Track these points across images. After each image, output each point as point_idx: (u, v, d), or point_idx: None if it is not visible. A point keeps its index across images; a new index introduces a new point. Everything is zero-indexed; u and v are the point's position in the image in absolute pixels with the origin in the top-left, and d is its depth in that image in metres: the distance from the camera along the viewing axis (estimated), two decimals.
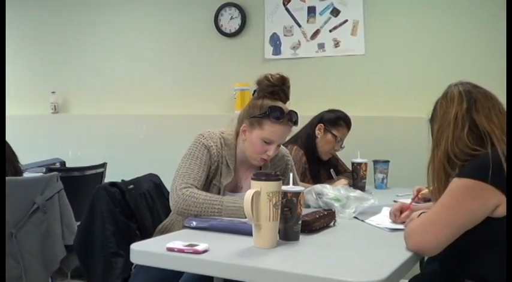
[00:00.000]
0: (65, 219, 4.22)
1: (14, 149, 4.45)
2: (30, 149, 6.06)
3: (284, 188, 2.37)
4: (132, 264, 2.91)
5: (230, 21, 5.98)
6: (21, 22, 7.71)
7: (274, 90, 3.07)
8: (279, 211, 2.32)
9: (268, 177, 2.29)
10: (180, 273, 2.61)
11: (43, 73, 7.48)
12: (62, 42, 7.31)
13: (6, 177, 4.11)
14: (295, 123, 3.07)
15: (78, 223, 3.69)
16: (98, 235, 3.14)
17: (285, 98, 3.12)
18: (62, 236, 4.19)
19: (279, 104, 3.04)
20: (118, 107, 6.80)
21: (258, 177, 2.30)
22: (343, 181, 4.04)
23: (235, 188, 3.14)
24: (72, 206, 4.28)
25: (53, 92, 7.23)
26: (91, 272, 3.22)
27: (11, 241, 3.97)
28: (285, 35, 5.67)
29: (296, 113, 3.05)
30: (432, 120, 2.60)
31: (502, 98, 2.54)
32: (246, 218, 2.36)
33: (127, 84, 6.74)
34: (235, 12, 5.95)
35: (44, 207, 4.10)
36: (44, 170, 4.87)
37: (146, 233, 3.21)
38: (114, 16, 6.85)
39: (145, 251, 2.35)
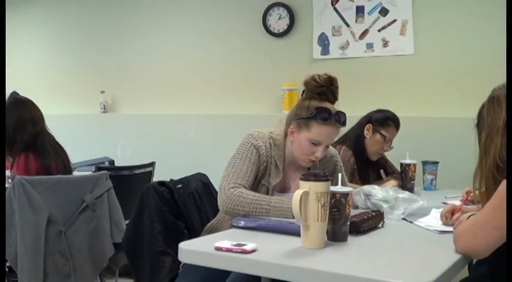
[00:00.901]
0: (113, 218, 4.26)
1: (64, 147, 4.51)
2: (80, 147, 6.13)
3: (333, 188, 2.36)
4: (180, 263, 2.93)
5: (278, 21, 5.97)
6: (72, 23, 7.81)
7: (321, 90, 3.05)
8: (327, 212, 2.31)
9: (316, 178, 2.29)
10: (227, 273, 2.62)
11: (93, 73, 7.55)
12: (112, 42, 7.37)
13: (58, 176, 4.18)
14: (343, 123, 3.04)
15: (127, 221, 3.73)
16: (146, 234, 3.17)
17: (333, 98, 3.09)
18: (110, 234, 4.24)
19: (327, 104, 3.02)
20: (166, 107, 6.83)
21: (306, 177, 2.30)
22: (392, 182, 4.01)
23: (283, 188, 3.13)
24: (121, 205, 4.32)
25: (102, 92, 7.30)
26: (139, 270, 3.25)
27: (60, 239, 4.02)
28: (333, 35, 5.64)
29: (344, 114, 3.03)
30: (479, 126, 2.56)
31: None
32: (293, 218, 2.36)
33: (176, 84, 6.77)
34: (283, 12, 5.93)
35: (93, 205, 4.15)
36: (93, 168, 4.91)
37: (194, 232, 3.22)
38: (163, 16, 6.88)
39: (193, 250, 2.36)
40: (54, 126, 4.58)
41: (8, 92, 5.25)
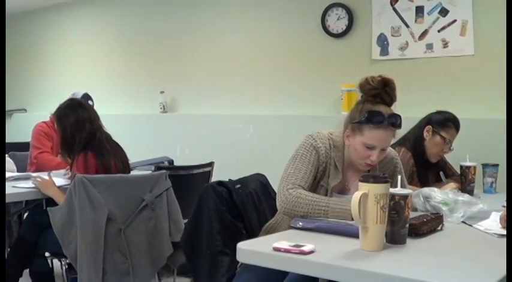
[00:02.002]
0: (172, 217, 4.29)
1: (125, 146, 4.57)
2: (140, 147, 6.19)
3: (392, 190, 2.35)
4: (238, 262, 2.94)
5: (337, 21, 5.96)
6: (132, 25, 7.91)
7: (376, 93, 2.98)
8: (386, 214, 2.30)
9: (376, 179, 2.28)
10: (285, 273, 2.62)
11: (153, 73, 7.64)
12: (171, 44, 7.44)
13: (118, 175, 4.23)
14: (398, 126, 2.97)
15: (185, 221, 3.76)
16: (204, 233, 3.19)
17: (390, 100, 3.01)
18: (169, 233, 4.27)
19: (380, 107, 2.96)
20: (225, 107, 6.87)
21: (365, 179, 2.29)
22: (452, 185, 3.96)
23: (342, 190, 3.12)
24: (180, 204, 4.35)
25: (161, 92, 7.38)
26: (197, 269, 3.27)
27: (119, 237, 4.07)
28: (392, 36, 5.60)
29: (398, 116, 2.96)
30: None
31: None
32: (351, 220, 2.35)
33: (234, 84, 6.80)
34: (342, 13, 5.92)
35: (152, 204, 4.19)
36: (153, 168, 4.96)
37: (252, 232, 3.23)
38: (221, 17, 6.92)
39: (251, 250, 2.37)
40: (115, 126, 4.65)
41: (79, 93, 5.33)
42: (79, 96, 5.30)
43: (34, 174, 4.84)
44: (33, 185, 4.37)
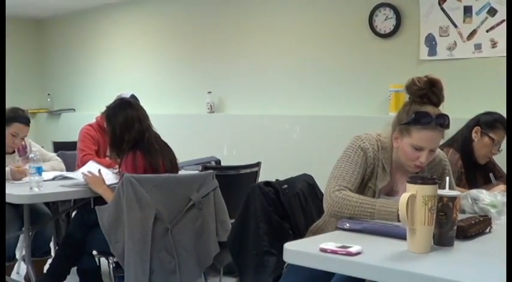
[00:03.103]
0: (219, 217, 4.31)
1: (172, 146, 4.59)
2: (187, 147, 6.23)
3: (440, 192, 2.34)
4: (284, 263, 2.94)
5: (385, 21, 5.93)
6: (179, 25, 7.96)
7: (423, 93, 2.95)
8: (434, 215, 2.29)
9: (424, 181, 2.27)
10: (331, 275, 2.62)
11: (200, 74, 7.68)
12: (218, 44, 7.47)
13: (166, 174, 4.26)
14: (446, 127, 2.94)
15: (232, 221, 3.77)
16: (251, 233, 3.20)
17: (437, 100, 2.98)
18: (216, 232, 4.28)
19: (427, 108, 2.93)
20: (272, 107, 6.88)
21: (413, 180, 2.28)
22: (501, 187, 3.90)
23: (390, 192, 3.10)
24: (226, 204, 4.36)
25: (209, 92, 7.42)
26: (243, 269, 3.28)
27: (166, 236, 4.10)
28: (440, 36, 5.56)
29: (446, 116, 2.93)
30: None
31: None
32: (398, 221, 2.34)
33: (281, 85, 6.81)
34: (390, 13, 5.89)
35: (199, 204, 4.20)
36: (200, 168, 4.98)
37: (298, 232, 3.23)
38: (269, 17, 6.93)
39: (298, 251, 2.38)
40: (162, 126, 4.68)
41: (126, 94, 5.38)
42: (126, 97, 5.35)
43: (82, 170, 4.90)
44: (81, 184, 4.42)
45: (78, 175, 4.52)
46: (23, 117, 5.00)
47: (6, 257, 4.92)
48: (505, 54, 5.19)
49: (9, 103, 8.39)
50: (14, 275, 5.18)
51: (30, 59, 10.55)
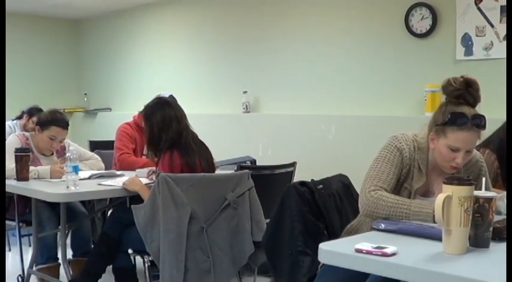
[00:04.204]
0: (254, 216, 4.31)
1: (208, 146, 4.61)
2: (222, 146, 6.25)
3: (476, 193, 2.32)
4: (319, 263, 2.94)
5: (421, 21, 5.90)
6: (215, 25, 7.99)
7: (459, 94, 2.94)
8: (470, 217, 2.28)
9: (460, 182, 2.26)
10: (366, 275, 2.61)
11: (236, 73, 7.70)
12: (254, 44, 7.49)
13: (201, 174, 4.27)
14: (482, 127, 2.92)
15: (267, 220, 3.78)
16: (286, 233, 3.20)
17: (473, 101, 2.97)
18: (251, 232, 4.29)
19: (464, 108, 2.91)
20: (307, 107, 6.87)
21: (449, 181, 2.27)
22: None
23: (426, 193, 3.08)
24: (262, 204, 4.36)
25: (244, 92, 7.43)
26: (277, 269, 3.29)
27: (202, 235, 4.11)
28: (477, 36, 5.52)
29: (483, 117, 2.91)
30: None
31: None
32: (433, 222, 2.33)
33: (316, 84, 6.80)
34: (426, 12, 5.86)
35: (234, 203, 4.21)
36: (235, 167, 4.99)
37: (334, 233, 3.23)
38: (304, 17, 6.93)
39: (333, 251, 2.38)
40: (198, 125, 4.69)
41: (164, 95, 5.41)
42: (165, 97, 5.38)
43: (118, 173, 4.94)
44: (117, 183, 4.46)
45: (116, 182, 4.54)
46: (61, 121, 5.03)
47: (50, 257, 4.97)
48: None
49: (47, 102, 8.52)
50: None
51: (68, 59, 10.65)
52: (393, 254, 2.22)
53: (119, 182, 4.49)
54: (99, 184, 4.50)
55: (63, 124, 5.02)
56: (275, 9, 7.23)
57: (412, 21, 5.95)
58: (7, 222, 5.23)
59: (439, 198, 2.23)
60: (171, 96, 5.34)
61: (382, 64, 6.22)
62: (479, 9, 5.49)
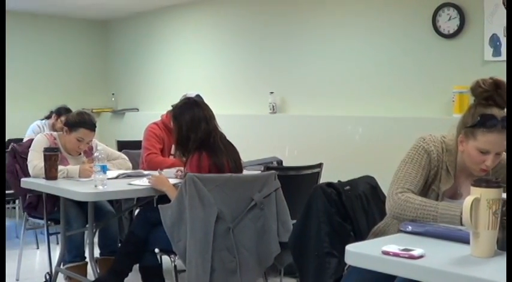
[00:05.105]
0: (280, 217, 4.30)
1: (235, 146, 4.62)
2: (248, 147, 6.24)
3: (505, 195, 2.31)
4: (345, 265, 2.94)
5: (448, 21, 5.87)
6: (242, 26, 8.00)
7: (488, 95, 2.92)
8: (499, 219, 2.26)
9: (488, 184, 2.25)
10: (392, 277, 2.60)
11: (262, 74, 7.70)
12: (280, 44, 7.49)
13: (228, 174, 4.28)
14: None
15: (293, 221, 3.78)
16: (312, 234, 3.20)
17: (503, 102, 2.93)
18: (277, 233, 4.28)
19: (493, 110, 2.89)
20: (334, 108, 6.87)
21: (478, 183, 2.26)
22: None
23: (454, 195, 3.06)
24: (288, 204, 4.36)
25: (271, 93, 7.44)
26: (304, 270, 3.29)
27: (228, 235, 4.12)
28: (505, 36, 5.47)
29: None
30: None
31: None
32: (461, 225, 2.32)
33: (343, 85, 6.79)
34: (453, 13, 5.83)
35: (261, 204, 4.21)
36: (262, 168, 4.99)
37: (360, 234, 3.23)
38: (330, 17, 6.92)
39: (360, 253, 2.38)
40: (224, 126, 4.70)
41: (191, 94, 5.43)
42: (192, 97, 5.39)
43: (145, 172, 4.97)
44: (145, 183, 4.49)
45: (145, 182, 4.56)
46: (89, 123, 5.05)
47: (77, 255, 5.00)
48: None
49: (75, 102, 8.60)
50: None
51: (95, 60, 10.72)
52: (420, 257, 2.22)
53: (147, 182, 4.51)
54: (129, 184, 4.53)
55: (91, 126, 5.05)
56: (301, 10, 7.23)
57: (440, 22, 5.92)
58: (36, 220, 5.28)
59: (467, 200, 2.22)
60: (198, 96, 5.34)
61: (409, 65, 6.20)
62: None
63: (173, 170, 4.81)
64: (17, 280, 5.50)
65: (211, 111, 4.62)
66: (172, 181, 4.44)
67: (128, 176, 4.84)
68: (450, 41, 5.87)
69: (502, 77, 2.98)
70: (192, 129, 4.44)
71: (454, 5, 5.81)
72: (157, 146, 5.44)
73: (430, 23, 5.98)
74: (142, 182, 4.54)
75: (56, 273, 4.99)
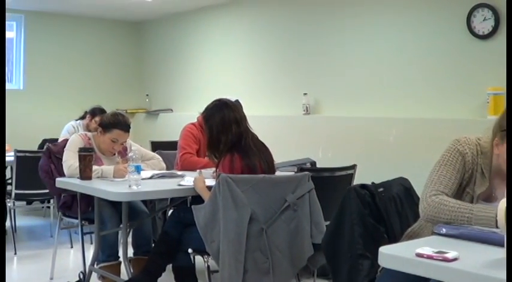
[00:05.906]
0: (314, 218, 4.30)
1: (267, 147, 4.62)
2: (282, 148, 6.25)
3: None
4: (378, 266, 2.93)
5: (483, 22, 5.84)
6: (276, 26, 8.01)
7: None
8: None
9: None
10: (426, 280, 2.59)
11: (296, 75, 7.71)
12: (314, 45, 7.49)
13: (261, 175, 4.28)
14: None
15: (327, 223, 3.77)
16: (346, 236, 3.20)
17: None
18: (310, 234, 4.28)
19: None
20: (367, 109, 6.85)
21: None
22: None
23: (489, 198, 3.03)
24: (321, 206, 4.35)
25: (305, 94, 7.44)
26: (337, 272, 3.28)
27: (261, 236, 4.12)
28: None
29: None
30: None
31: None
32: (496, 228, 2.30)
33: (377, 87, 6.78)
34: (488, 13, 5.80)
35: (294, 205, 4.21)
36: (295, 169, 4.99)
37: (394, 236, 3.22)
38: (364, 18, 6.92)
39: (393, 255, 2.36)
40: (258, 127, 4.71)
41: (230, 99, 5.44)
42: None
43: (179, 173, 4.99)
44: (180, 184, 4.51)
45: (188, 181, 4.58)
46: (123, 124, 5.09)
47: (111, 255, 5.04)
48: None
49: (109, 103, 8.67)
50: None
51: (130, 61, 10.81)
52: (454, 259, 2.20)
53: (191, 182, 4.51)
54: (179, 185, 4.55)
55: (125, 127, 5.08)
56: (335, 11, 7.23)
57: (474, 23, 5.89)
58: (70, 220, 5.33)
59: (502, 203, 2.21)
60: (237, 101, 5.35)
61: (443, 66, 6.17)
62: None
63: (210, 171, 4.81)
64: (51, 279, 5.55)
65: (243, 113, 4.62)
66: (209, 182, 4.45)
67: (162, 176, 4.86)
68: (485, 41, 5.84)
69: None
70: (222, 131, 4.45)
71: (489, 6, 5.78)
72: (193, 146, 5.46)
73: (464, 24, 5.96)
74: (189, 183, 4.55)
75: (90, 272, 5.02)
